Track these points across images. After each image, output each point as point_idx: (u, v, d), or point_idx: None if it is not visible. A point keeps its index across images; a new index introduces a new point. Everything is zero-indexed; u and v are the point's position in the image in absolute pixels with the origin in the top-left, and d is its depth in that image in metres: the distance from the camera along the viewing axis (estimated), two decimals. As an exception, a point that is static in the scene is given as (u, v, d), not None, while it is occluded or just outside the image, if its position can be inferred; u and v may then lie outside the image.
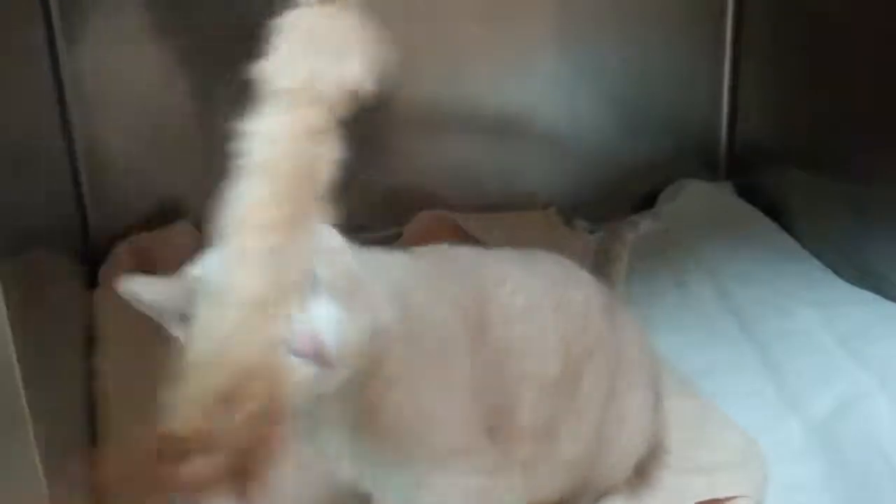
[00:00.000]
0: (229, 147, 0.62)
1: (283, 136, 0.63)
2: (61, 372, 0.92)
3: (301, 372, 0.66)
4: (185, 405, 0.61)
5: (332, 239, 0.71)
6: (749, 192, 1.43)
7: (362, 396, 0.72)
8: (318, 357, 0.67)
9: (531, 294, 0.84)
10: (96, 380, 1.07)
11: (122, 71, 1.26)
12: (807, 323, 1.16)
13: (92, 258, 1.26)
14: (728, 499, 0.95)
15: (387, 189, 1.37)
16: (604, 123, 1.45)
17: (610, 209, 1.42)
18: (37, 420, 0.67)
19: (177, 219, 1.29)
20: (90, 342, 1.12)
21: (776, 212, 1.38)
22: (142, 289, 0.70)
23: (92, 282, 1.23)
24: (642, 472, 0.95)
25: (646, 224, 1.11)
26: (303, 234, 0.63)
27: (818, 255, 1.29)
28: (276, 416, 0.61)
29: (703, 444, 1.02)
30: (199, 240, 1.27)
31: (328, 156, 0.63)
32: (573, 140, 1.44)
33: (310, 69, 0.64)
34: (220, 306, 0.62)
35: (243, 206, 0.62)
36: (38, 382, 0.68)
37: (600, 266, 1.04)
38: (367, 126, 1.23)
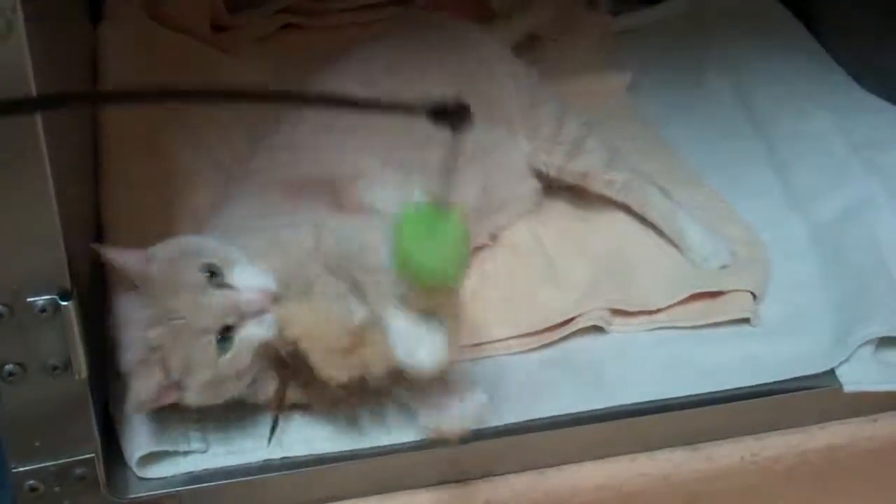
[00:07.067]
0: None
1: None
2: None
3: None
4: None
5: None
6: (776, -12, 1.38)
7: None
8: None
9: None
10: (98, 117, 1.04)
11: None
12: (821, 126, 1.14)
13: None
14: (729, 291, 0.97)
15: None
16: None
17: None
18: (50, 154, 0.67)
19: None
20: (94, 76, 1.09)
21: (802, 10, 1.33)
22: None
23: (96, 16, 1.18)
24: None
25: None
26: None
27: (840, 60, 1.26)
28: None
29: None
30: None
31: None
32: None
33: None
34: None
35: None
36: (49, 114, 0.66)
37: None
38: None
